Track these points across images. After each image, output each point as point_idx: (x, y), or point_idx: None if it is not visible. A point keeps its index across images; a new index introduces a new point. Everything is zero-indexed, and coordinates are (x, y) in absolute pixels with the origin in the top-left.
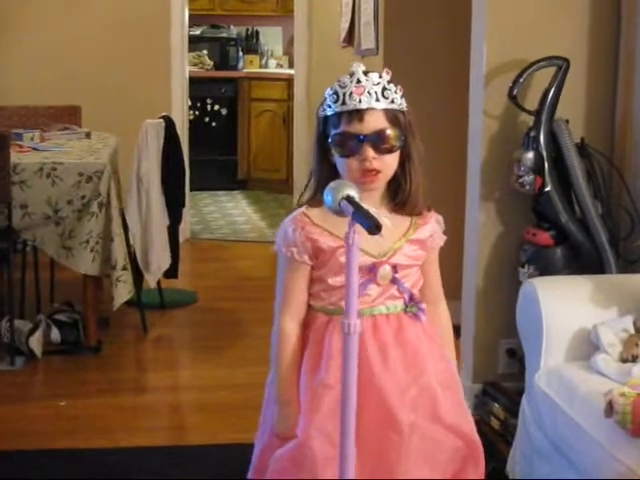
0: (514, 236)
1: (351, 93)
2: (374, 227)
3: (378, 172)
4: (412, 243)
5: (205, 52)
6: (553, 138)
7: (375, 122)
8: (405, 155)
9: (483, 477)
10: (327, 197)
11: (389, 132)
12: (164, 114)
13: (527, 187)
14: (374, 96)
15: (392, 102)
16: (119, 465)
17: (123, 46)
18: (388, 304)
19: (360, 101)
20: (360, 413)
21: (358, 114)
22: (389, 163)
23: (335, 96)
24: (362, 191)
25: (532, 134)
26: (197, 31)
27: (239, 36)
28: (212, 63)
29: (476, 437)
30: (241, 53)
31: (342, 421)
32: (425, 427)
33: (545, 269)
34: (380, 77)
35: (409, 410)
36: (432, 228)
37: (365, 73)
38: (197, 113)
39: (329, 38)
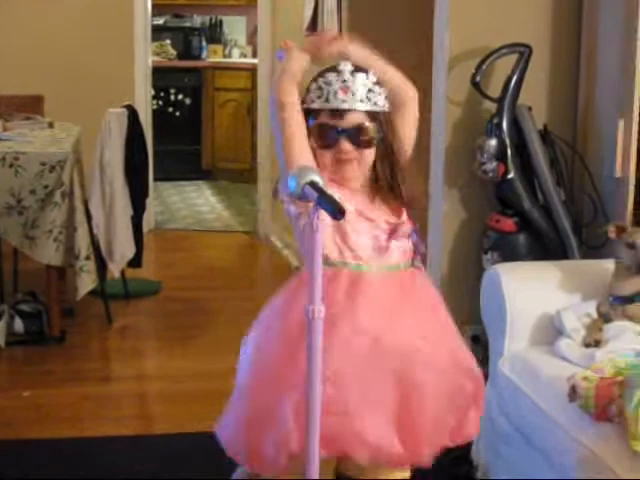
0: (478, 223)
1: (336, 92)
2: (337, 212)
3: (352, 162)
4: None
5: (168, 42)
6: (516, 125)
7: (355, 119)
8: (385, 151)
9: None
10: (290, 182)
11: (367, 125)
12: (127, 103)
13: (490, 174)
14: (358, 97)
15: (375, 104)
16: (86, 454)
17: (86, 35)
18: (399, 261)
19: (344, 101)
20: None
21: (339, 112)
22: (365, 156)
23: (319, 92)
24: (339, 184)
25: (495, 121)
26: (160, 20)
27: (202, 25)
28: (175, 53)
29: (478, 371)
30: (204, 43)
31: (308, 412)
32: (441, 367)
33: (509, 255)
34: (367, 78)
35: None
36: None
37: (352, 73)
38: (161, 103)
39: (293, 27)
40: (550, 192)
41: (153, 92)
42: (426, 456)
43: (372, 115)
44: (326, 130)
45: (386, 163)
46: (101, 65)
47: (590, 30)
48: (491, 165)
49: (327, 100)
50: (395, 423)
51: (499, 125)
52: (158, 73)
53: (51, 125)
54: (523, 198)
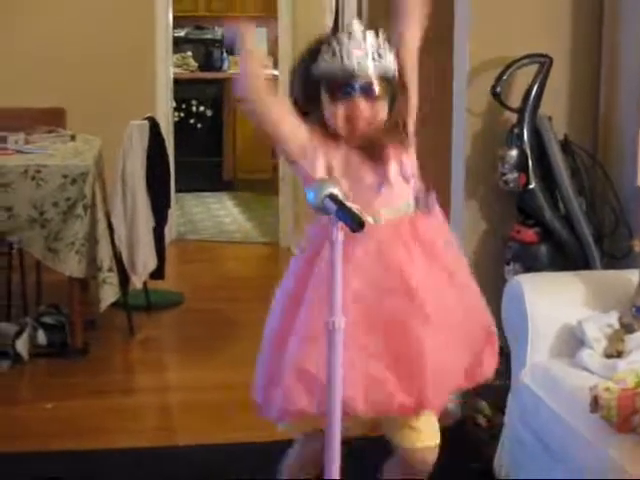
0: (499, 233)
1: (349, 52)
2: (357, 225)
3: (366, 122)
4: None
5: (190, 53)
6: (537, 135)
7: (369, 76)
8: (396, 107)
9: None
10: (309, 195)
11: (379, 81)
12: (149, 115)
13: (511, 184)
14: (370, 55)
15: (387, 62)
16: (109, 466)
17: (107, 48)
18: (400, 205)
19: (359, 63)
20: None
21: (353, 69)
22: (378, 110)
23: (331, 52)
24: (347, 136)
25: (516, 131)
26: (181, 32)
27: (224, 37)
28: (197, 64)
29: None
30: (225, 54)
31: (329, 419)
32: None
33: (530, 266)
34: (377, 37)
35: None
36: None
37: (363, 32)
38: (182, 115)
39: (313, 37)
40: (571, 202)
41: (174, 104)
42: (433, 399)
43: (384, 75)
44: (340, 86)
45: (396, 119)
46: (122, 77)
47: (610, 40)
48: (512, 175)
49: (341, 61)
50: (394, 371)
51: (520, 135)
52: (179, 85)
53: (73, 138)
54: (544, 208)
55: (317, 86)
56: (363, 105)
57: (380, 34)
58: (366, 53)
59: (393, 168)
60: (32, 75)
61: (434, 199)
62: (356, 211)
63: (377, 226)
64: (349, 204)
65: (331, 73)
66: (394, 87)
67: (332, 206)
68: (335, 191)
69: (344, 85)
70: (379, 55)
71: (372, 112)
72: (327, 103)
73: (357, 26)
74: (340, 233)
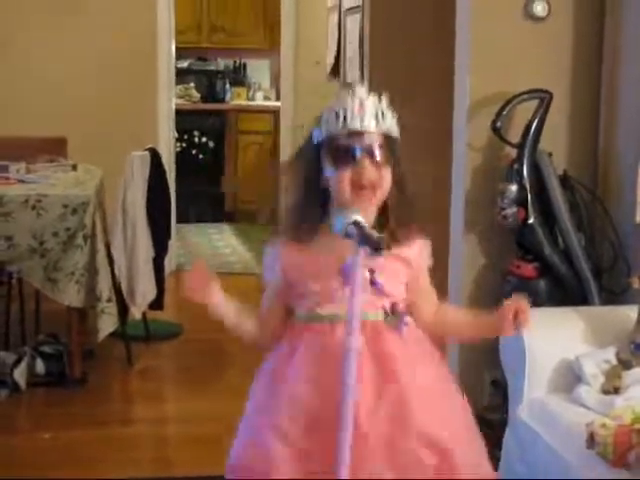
0: (498, 268)
1: (353, 113)
2: (374, 250)
3: (373, 187)
4: (395, 259)
5: (192, 85)
6: (536, 170)
7: (373, 138)
8: (396, 178)
9: None
10: (337, 222)
11: (384, 147)
12: (150, 146)
13: (510, 219)
14: (374, 118)
15: (390, 126)
16: None
17: (109, 78)
18: (369, 312)
19: (362, 121)
20: (327, 419)
21: (357, 132)
22: (384, 176)
23: (335, 115)
24: (355, 203)
25: (515, 166)
26: (184, 64)
27: (226, 69)
28: (199, 95)
29: (451, 445)
30: (228, 85)
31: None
32: (398, 440)
33: (529, 301)
34: (380, 101)
35: (380, 423)
36: (418, 248)
37: (366, 94)
38: (184, 145)
39: (315, 71)
40: (570, 237)
41: (177, 134)
42: None
43: (386, 138)
44: (344, 149)
45: (397, 190)
46: (125, 108)
47: (610, 76)
48: (511, 210)
49: (344, 122)
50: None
51: (519, 170)
52: (182, 116)
53: (74, 167)
54: (543, 243)
55: (319, 155)
56: (369, 167)
57: (383, 98)
58: (369, 114)
59: (361, 276)
60: (34, 104)
61: (409, 320)
62: (376, 238)
63: (332, 326)
64: (369, 231)
65: (334, 136)
66: (397, 152)
67: (355, 232)
68: (359, 218)
69: (348, 147)
70: (382, 117)
71: (378, 175)
72: (331, 171)
73: (360, 89)
74: (358, 265)
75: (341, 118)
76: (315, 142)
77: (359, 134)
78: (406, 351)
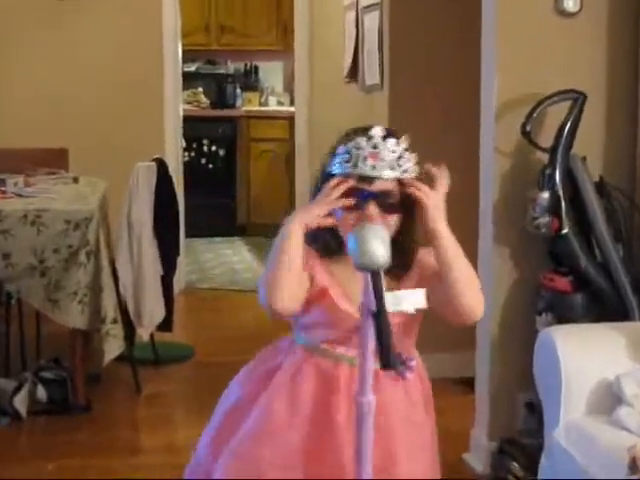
0: (530, 282)
1: (365, 158)
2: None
3: None
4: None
5: (201, 89)
6: (570, 176)
7: (383, 185)
8: (407, 217)
9: None
10: (352, 247)
11: (394, 190)
12: (157, 156)
13: (543, 229)
14: (388, 164)
15: (405, 171)
16: None
17: (112, 84)
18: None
19: (374, 168)
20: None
21: (368, 178)
22: (390, 224)
23: (347, 155)
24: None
25: (547, 172)
26: (192, 67)
27: (237, 72)
28: (208, 101)
29: None
30: (239, 90)
31: None
32: None
33: (564, 317)
34: (397, 144)
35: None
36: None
37: (383, 137)
38: (193, 154)
39: (331, 74)
40: (608, 248)
41: (185, 143)
42: None
43: (401, 182)
44: (352, 192)
45: (406, 230)
46: (129, 115)
47: None
48: (544, 220)
49: (355, 165)
50: None
51: (552, 177)
52: (190, 123)
53: (76, 180)
54: (579, 255)
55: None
56: (375, 215)
57: (401, 141)
58: (383, 160)
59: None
60: (32, 113)
61: (418, 364)
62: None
63: (336, 366)
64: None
65: (343, 177)
66: (411, 203)
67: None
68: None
69: (355, 191)
70: (398, 164)
71: (384, 223)
72: (338, 209)
73: (377, 131)
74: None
75: (352, 161)
76: (327, 173)
77: (370, 178)
78: (402, 404)
